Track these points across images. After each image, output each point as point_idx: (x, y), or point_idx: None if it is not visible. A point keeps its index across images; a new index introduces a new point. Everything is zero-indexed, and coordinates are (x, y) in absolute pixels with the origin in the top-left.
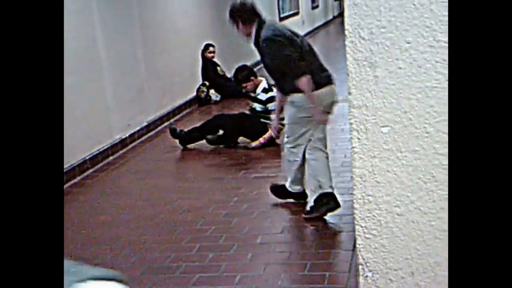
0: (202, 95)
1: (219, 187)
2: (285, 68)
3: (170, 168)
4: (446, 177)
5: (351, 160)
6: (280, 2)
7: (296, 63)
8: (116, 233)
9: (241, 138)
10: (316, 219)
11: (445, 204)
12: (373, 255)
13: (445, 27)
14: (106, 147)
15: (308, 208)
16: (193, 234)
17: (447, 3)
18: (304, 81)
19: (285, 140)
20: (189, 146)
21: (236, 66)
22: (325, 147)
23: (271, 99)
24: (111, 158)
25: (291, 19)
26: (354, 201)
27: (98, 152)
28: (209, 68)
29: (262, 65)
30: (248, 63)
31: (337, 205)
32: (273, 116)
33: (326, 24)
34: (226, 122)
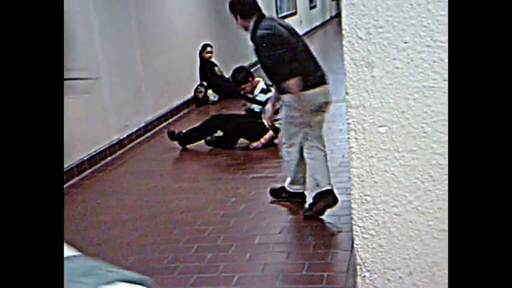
0: (200, 95)
1: (217, 187)
2: (276, 68)
3: (168, 169)
4: (444, 176)
5: (348, 160)
6: (278, 2)
7: (287, 65)
8: (114, 234)
9: (240, 139)
10: (315, 219)
11: (443, 204)
12: (371, 255)
13: (442, 27)
14: (104, 147)
15: (307, 206)
16: (192, 235)
17: (444, 3)
18: (291, 83)
19: (282, 140)
20: (187, 146)
21: (234, 68)
22: (323, 146)
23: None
24: (109, 158)
25: (288, 19)
26: (352, 201)
27: (95, 152)
28: (207, 68)
29: (259, 64)
30: (246, 64)
31: (335, 200)
32: (268, 105)
33: (324, 24)
34: (225, 123)
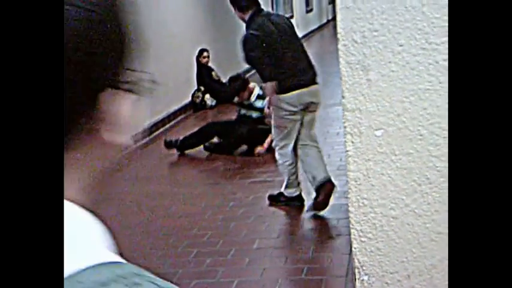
0: (198, 100)
1: (216, 192)
2: (255, 69)
3: (166, 174)
4: (441, 179)
5: (345, 163)
6: (275, 6)
7: (263, 68)
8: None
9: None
10: (314, 221)
11: (440, 207)
12: (369, 259)
13: (437, 30)
14: None
15: (312, 201)
16: (190, 240)
17: (439, 6)
18: (266, 87)
19: (273, 143)
20: (185, 152)
21: (229, 75)
22: (316, 142)
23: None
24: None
25: None
26: (349, 204)
27: None
28: (204, 73)
29: (254, 70)
30: (241, 69)
31: (332, 186)
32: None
33: (320, 27)
34: (224, 131)
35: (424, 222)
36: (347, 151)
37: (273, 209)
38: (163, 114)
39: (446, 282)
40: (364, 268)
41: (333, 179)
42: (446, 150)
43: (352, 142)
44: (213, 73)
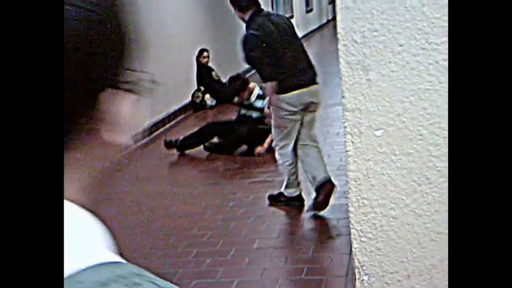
0: (198, 100)
1: (215, 192)
2: (255, 69)
3: (166, 174)
4: (441, 179)
5: (345, 163)
6: (275, 6)
7: (263, 68)
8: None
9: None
10: (314, 221)
11: (440, 207)
12: (369, 259)
13: (437, 30)
14: None
15: (312, 201)
16: (190, 240)
17: (439, 6)
18: (266, 87)
19: (273, 143)
20: (185, 152)
21: (229, 76)
22: (316, 142)
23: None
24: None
25: None
26: (349, 204)
27: None
28: (204, 73)
29: (254, 70)
30: (241, 70)
31: (332, 186)
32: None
33: (320, 27)
34: (224, 131)
35: (424, 222)
36: (347, 151)
37: (273, 209)
38: (163, 114)
39: (446, 282)
40: (364, 268)
41: (333, 179)
42: (446, 150)
43: (352, 142)
44: (213, 73)
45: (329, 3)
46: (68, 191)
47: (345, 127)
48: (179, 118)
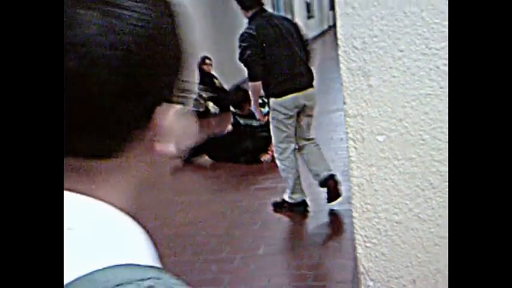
0: (201, 108)
1: (220, 199)
2: (245, 67)
3: (170, 181)
4: (444, 183)
5: (348, 169)
6: (276, 12)
7: (252, 65)
8: None
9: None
10: (318, 227)
11: (444, 211)
12: (373, 264)
13: (437, 35)
14: None
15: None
16: (195, 247)
17: (439, 11)
18: (251, 86)
19: (274, 148)
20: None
21: (231, 88)
22: (311, 139)
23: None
24: None
25: None
26: (353, 210)
27: None
28: (206, 80)
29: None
30: (243, 77)
31: (334, 182)
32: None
33: (322, 33)
34: (226, 146)
35: (428, 227)
36: (350, 157)
37: (277, 215)
38: None
39: None
40: (369, 274)
41: (336, 175)
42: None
43: (355, 148)
44: (216, 81)
45: (330, 10)
46: (108, 194)
47: (347, 133)
48: None
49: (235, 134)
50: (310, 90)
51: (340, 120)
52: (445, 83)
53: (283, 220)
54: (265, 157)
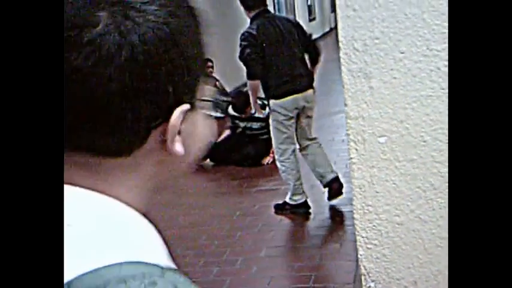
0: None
1: (222, 202)
2: (244, 65)
3: (171, 184)
4: (445, 185)
5: (349, 171)
6: (278, 14)
7: (251, 64)
8: None
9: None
10: (320, 229)
11: (445, 212)
12: (375, 265)
13: (438, 36)
14: None
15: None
16: (197, 250)
17: (439, 12)
18: (249, 84)
19: (275, 150)
20: None
21: (232, 91)
22: (314, 139)
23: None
24: None
25: None
26: (354, 211)
27: None
28: (208, 83)
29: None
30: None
31: (339, 185)
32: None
33: (324, 35)
34: (227, 150)
35: (429, 228)
36: (351, 158)
37: (279, 217)
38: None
39: None
40: (370, 275)
41: (340, 177)
42: None
43: (356, 149)
44: (217, 83)
45: (331, 12)
46: (118, 190)
47: (348, 135)
48: None
49: (235, 139)
50: (309, 91)
51: (341, 122)
52: (446, 85)
53: (284, 222)
54: (267, 159)
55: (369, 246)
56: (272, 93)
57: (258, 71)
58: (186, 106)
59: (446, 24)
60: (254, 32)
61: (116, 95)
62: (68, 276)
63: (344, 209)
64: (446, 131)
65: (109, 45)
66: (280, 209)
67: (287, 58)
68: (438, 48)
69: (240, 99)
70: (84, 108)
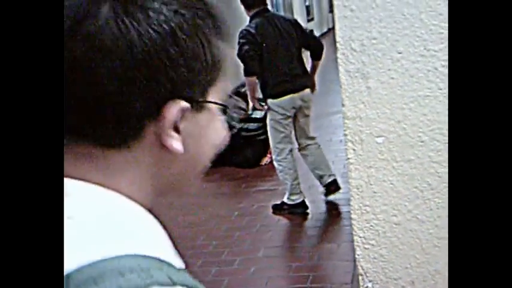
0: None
1: (220, 202)
2: (242, 63)
3: None
4: (443, 185)
5: (347, 171)
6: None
7: (248, 61)
8: None
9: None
10: (318, 229)
11: (443, 212)
12: (372, 266)
13: (436, 36)
14: None
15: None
16: (195, 250)
17: (437, 13)
18: (247, 81)
19: (272, 149)
20: None
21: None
22: (312, 139)
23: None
24: None
25: None
26: (352, 211)
27: None
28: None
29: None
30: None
31: (336, 188)
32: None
33: (322, 36)
34: (225, 153)
35: (427, 228)
36: (348, 159)
37: (277, 217)
38: None
39: None
40: (367, 275)
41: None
42: (447, 156)
43: (354, 150)
44: None
45: (329, 12)
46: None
47: (345, 135)
48: None
49: (231, 140)
50: (306, 91)
51: (339, 122)
52: (443, 85)
53: (282, 222)
54: (264, 160)
55: (366, 246)
56: (270, 92)
57: (255, 67)
58: (184, 104)
59: (444, 25)
60: (253, 31)
61: (111, 87)
62: (67, 268)
63: (341, 209)
64: (444, 131)
65: (106, 39)
66: (278, 209)
67: (285, 57)
68: (435, 49)
69: (237, 98)
70: (83, 99)
